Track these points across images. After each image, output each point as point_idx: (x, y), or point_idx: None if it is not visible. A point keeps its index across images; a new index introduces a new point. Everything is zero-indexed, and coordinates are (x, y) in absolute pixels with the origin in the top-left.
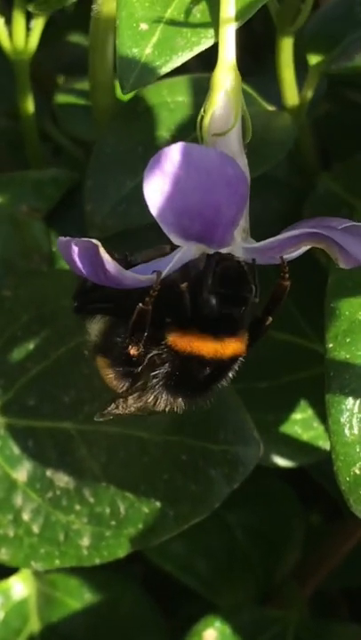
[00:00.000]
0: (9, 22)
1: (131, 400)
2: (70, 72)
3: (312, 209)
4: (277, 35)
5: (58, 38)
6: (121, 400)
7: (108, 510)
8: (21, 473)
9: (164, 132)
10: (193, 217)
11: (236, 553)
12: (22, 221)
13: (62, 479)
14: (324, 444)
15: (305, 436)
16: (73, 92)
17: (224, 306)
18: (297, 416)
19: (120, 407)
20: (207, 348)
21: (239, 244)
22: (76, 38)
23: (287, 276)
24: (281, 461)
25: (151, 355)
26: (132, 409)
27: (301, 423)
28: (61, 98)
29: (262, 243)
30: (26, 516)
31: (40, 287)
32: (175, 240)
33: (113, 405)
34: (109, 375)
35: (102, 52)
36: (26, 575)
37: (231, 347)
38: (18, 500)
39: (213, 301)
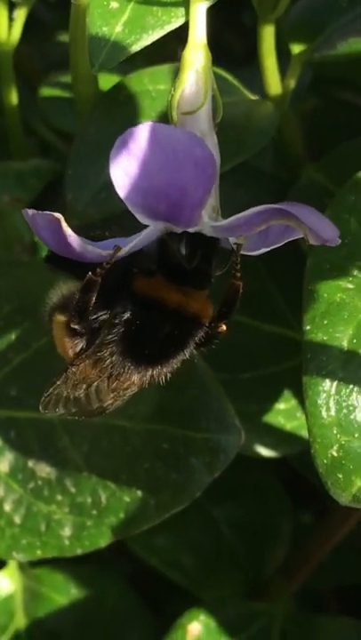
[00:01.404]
0: None
1: (81, 371)
2: (59, 70)
3: (295, 198)
4: (259, 22)
5: (47, 39)
6: (71, 372)
7: (89, 500)
8: (3, 464)
9: (145, 119)
10: (159, 197)
11: (222, 548)
12: (4, 212)
13: (44, 469)
14: (307, 434)
15: (288, 425)
16: (57, 85)
17: (191, 259)
18: (280, 406)
19: (69, 382)
20: (171, 297)
21: (207, 223)
22: (65, 37)
23: (239, 275)
24: (264, 451)
25: (114, 306)
26: (81, 388)
27: (285, 413)
28: (46, 91)
29: (229, 220)
30: (7, 507)
31: (21, 278)
32: (142, 220)
33: (62, 380)
34: (65, 333)
35: (82, 41)
36: (11, 571)
37: (195, 304)
38: (0, 490)
39: (183, 251)
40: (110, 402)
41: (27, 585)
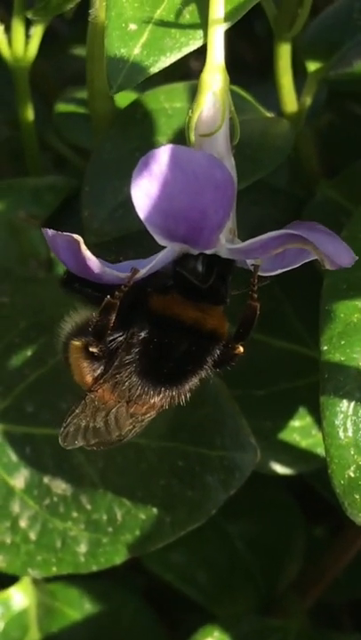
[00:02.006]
0: (8, 30)
1: (100, 397)
2: (75, 85)
3: (310, 216)
4: (275, 40)
5: (62, 52)
6: (90, 399)
7: (105, 517)
8: (19, 480)
9: (161, 137)
10: (179, 220)
11: (236, 564)
12: (20, 228)
13: (60, 486)
14: (323, 452)
15: (303, 443)
16: (73, 101)
17: (207, 278)
18: (295, 423)
19: (88, 409)
20: (187, 313)
21: (224, 245)
22: (80, 51)
23: (256, 296)
24: (279, 469)
25: (130, 326)
26: (100, 416)
27: (300, 431)
28: (62, 107)
29: (245, 243)
30: (23, 523)
31: (37, 294)
32: (160, 241)
33: (80, 408)
34: (81, 359)
35: (100, 59)
36: (26, 585)
37: (212, 320)
38: (15, 507)
39: (199, 270)
40: (129, 428)
41: (41, 600)
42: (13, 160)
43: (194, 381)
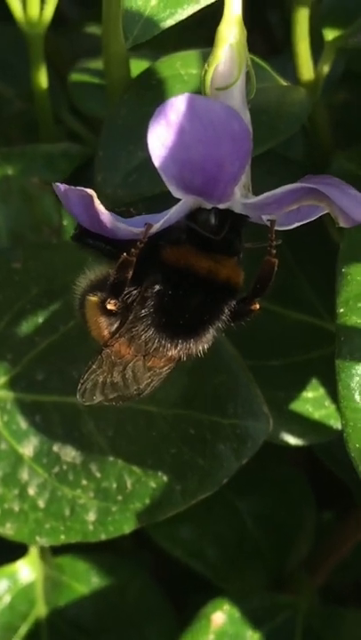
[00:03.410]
0: None
1: (117, 352)
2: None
3: None
4: (293, 7)
5: (73, 30)
6: (106, 354)
7: (114, 485)
8: (28, 448)
9: None
10: (195, 170)
11: (246, 540)
12: (33, 194)
13: (69, 454)
14: (336, 424)
15: (316, 414)
16: (87, 71)
17: (220, 230)
18: (308, 394)
19: (105, 364)
20: (201, 263)
21: (238, 200)
22: (91, 29)
23: (274, 251)
24: (291, 439)
25: (144, 280)
26: (118, 370)
27: (313, 402)
28: (75, 76)
29: (260, 197)
30: (31, 491)
31: (50, 260)
32: (175, 192)
33: (97, 364)
34: (97, 314)
35: (116, 22)
36: (33, 559)
37: (226, 269)
38: (24, 474)
39: (213, 221)
40: (147, 382)
41: (48, 573)
42: (26, 133)
43: (211, 333)
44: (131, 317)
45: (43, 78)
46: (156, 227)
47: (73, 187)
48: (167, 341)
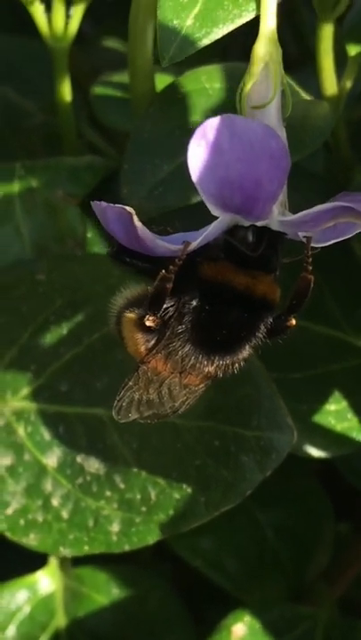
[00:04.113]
0: (48, 9)
1: (153, 369)
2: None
3: None
4: (318, 22)
5: (93, 43)
6: (143, 371)
7: (138, 496)
8: (51, 459)
9: (201, 116)
10: (234, 189)
11: (266, 552)
12: (57, 207)
13: (93, 465)
14: (358, 436)
15: (339, 427)
16: (110, 85)
17: (258, 247)
18: (331, 407)
19: (141, 381)
20: (238, 279)
21: (276, 217)
22: (110, 43)
23: (311, 268)
24: (314, 452)
25: (181, 296)
26: (154, 387)
27: (335, 414)
28: (98, 90)
29: (297, 215)
30: (55, 502)
31: (74, 272)
32: (213, 211)
33: (133, 380)
34: (135, 330)
35: (142, 37)
36: (52, 569)
37: (263, 285)
38: (47, 485)
39: (250, 238)
40: (183, 399)
41: (67, 584)
42: (47, 146)
43: (247, 349)
44: (168, 333)
45: (67, 92)
46: (195, 244)
47: (112, 204)
48: (204, 358)
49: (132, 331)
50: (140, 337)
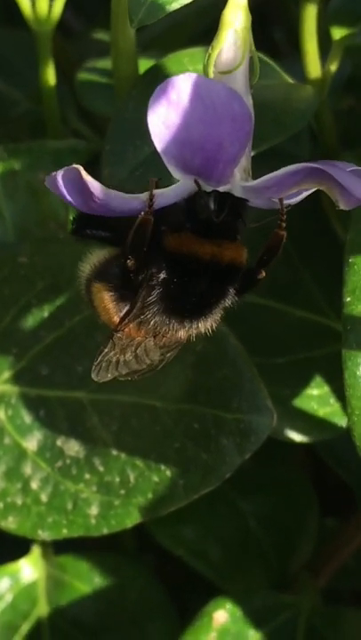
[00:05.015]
0: None
1: (127, 335)
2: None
3: None
4: (301, 4)
5: (83, 36)
6: (118, 338)
7: (117, 479)
8: (31, 442)
9: None
10: (195, 150)
11: (248, 541)
12: (39, 190)
13: (72, 448)
14: (340, 421)
15: (321, 412)
16: (95, 71)
17: (220, 213)
18: (313, 392)
19: (117, 347)
20: (204, 249)
21: (238, 183)
22: (100, 35)
23: (285, 225)
24: (296, 436)
25: (148, 267)
26: (130, 351)
27: (318, 399)
28: (83, 75)
29: (260, 180)
30: (34, 485)
31: (56, 254)
32: (174, 173)
33: (109, 347)
34: (106, 300)
35: (124, 19)
36: (35, 558)
37: (229, 252)
38: (27, 468)
39: (212, 205)
40: (160, 358)
41: (50, 572)
42: (32, 134)
43: (219, 311)
44: (139, 305)
45: (50, 77)
46: (156, 201)
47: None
48: (176, 324)
49: (104, 301)
50: (112, 307)
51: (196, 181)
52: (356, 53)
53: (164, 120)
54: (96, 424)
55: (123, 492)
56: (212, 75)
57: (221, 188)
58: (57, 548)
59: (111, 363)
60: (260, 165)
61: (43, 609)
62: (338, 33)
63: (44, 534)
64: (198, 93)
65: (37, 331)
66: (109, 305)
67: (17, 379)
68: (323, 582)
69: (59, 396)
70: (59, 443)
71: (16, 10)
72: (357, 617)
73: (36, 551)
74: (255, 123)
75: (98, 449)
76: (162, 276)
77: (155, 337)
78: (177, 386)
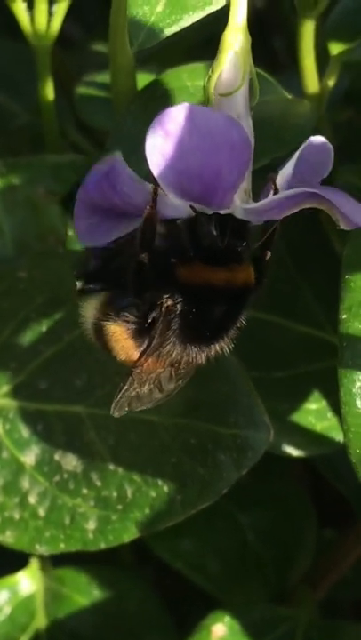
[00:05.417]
0: (31, 7)
1: (149, 365)
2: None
3: None
4: (298, 20)
5: (82, 48)
6: (137, 374)
7: (115, 494)
8: (29, 456)
9: None
10: (193, 179)
11: (247, 555)
12: (39, 204)
13: (70, 462)
14: (338, 436)
15: (319, 426)
16: (93, 85)
17: (224, 238)
18: (311, 406)
19: (136, 382)
20: (217, 276)
21: (239, 206)
22: (100, 47)
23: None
24: (293, 451)
25: (163, 300)
26: (149, 382)
27: (315, 413)
28: (82, 90)
29: (261, 203)
30: (32, 499)
31: (55, 269)
32: (173, 199)
33: (129, 384)
34: (123, 338)
35: (123, 34)
36: (33, 571)
37: (241, 275)
38: (25, 483)
39: (214, 232)
40: (173, 387)
41: (48, 585)
42: (32, 147)
43: (235, 329)
44: (158, 340)
45: (49, 91)
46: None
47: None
48: (196, 351)
49: (121, 339)
50: (130, 344)
51: (192, 207)
52: (353, 68)
53: (160, 150)
54: (94, 438)
55: (120, 506)
56: (212, 97)
57: (222, 212)
58: (55, 561)
59: (131, 397)
60: (259, 179)
61: (41, 621)
62: (336, 48)
63: (41, 549)
64: (195, 123)
65: (36, 345)
66: (128, 342)
67: (15, 393)
68: (321, 595)
69: (57, 410)
70: (56, 457)
71: (16, 23)
72: (355, 630)
73: (34, 564)
74: (255, 138)
75: (95, 463)
76: (179, 307)
77: (172, 366)
78: (174, 401)
